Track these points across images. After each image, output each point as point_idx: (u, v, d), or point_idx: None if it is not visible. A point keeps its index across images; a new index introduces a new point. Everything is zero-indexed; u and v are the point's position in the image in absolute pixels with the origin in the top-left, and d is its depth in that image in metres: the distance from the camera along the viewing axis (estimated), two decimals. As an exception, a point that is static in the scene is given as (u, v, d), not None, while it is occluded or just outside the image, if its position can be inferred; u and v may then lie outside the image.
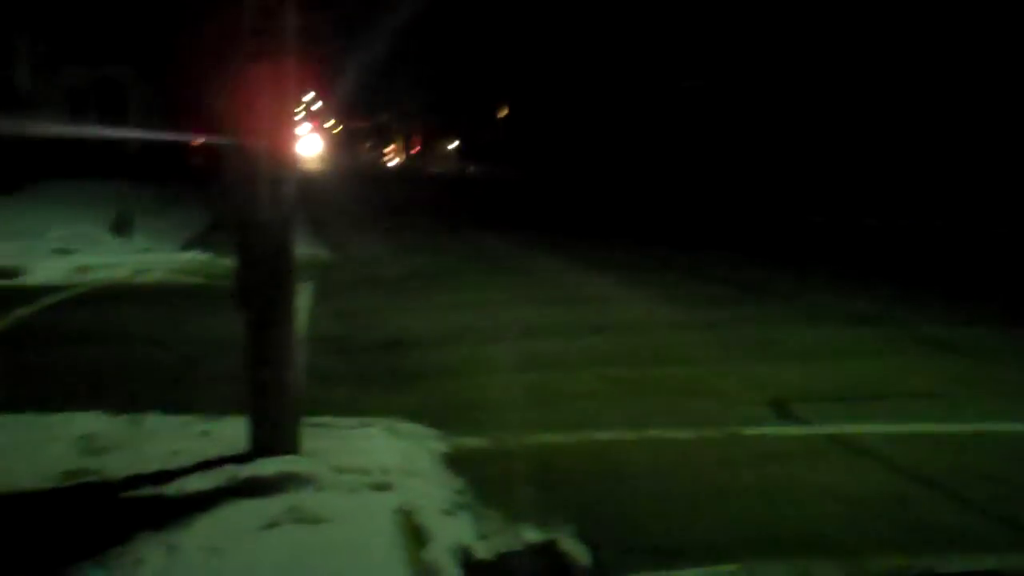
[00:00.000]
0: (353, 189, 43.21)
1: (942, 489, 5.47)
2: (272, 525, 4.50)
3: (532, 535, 4.83)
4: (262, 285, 5.57)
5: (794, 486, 5.52)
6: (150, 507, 4.80)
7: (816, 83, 35.11)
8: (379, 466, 5.44)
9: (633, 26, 45.02)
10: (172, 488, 5.05)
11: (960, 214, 24.69)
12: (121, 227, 18.00)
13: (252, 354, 5.62)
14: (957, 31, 30.04)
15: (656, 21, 42.94)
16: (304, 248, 13.26)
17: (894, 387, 7.77)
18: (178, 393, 7.40)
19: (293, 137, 5.79)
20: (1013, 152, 28.38)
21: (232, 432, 5.97)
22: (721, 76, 39.73)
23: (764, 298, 12.27)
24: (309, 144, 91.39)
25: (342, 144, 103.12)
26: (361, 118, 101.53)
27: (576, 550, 4.69)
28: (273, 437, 5.58)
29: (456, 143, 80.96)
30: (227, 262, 15.01)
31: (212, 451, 5.68)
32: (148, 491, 5.02)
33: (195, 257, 15.83)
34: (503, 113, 69.50)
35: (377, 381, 7.99)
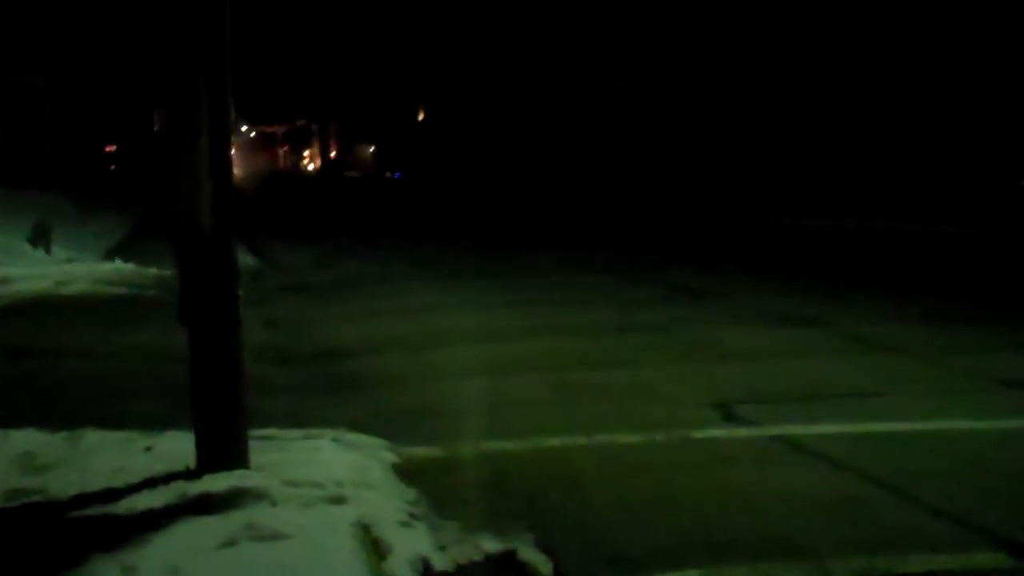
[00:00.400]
0: (272, 195, 42.81)
1: (893, 489, 5.51)
2: (230, 543, 4.39)
3: (491, 545, 4.78)
4: (206, 298, 5.45)
5: (748, 489, 5.53)
6: (101, 526, 4.66)
7: (735, 83, 35.52)
8: (331, 479, 5.35)
9: (553, 28, 45.15)
10: (121, 507, 4.91)
11: (885, 211, 25.13)
12: (40, 237, 17.59)
13: (197, 368, 5.49)
14: (867, 31, 30.61)
15: (578, 23, 43.09)
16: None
17: (836, 387, 7.84)
18: (115, 407, 7.22)
19: (230, 145, 5.67)
20: (940, 149, 28.98)
21: (176, 447, 5.85)
22: (643, 78, 39.98)
23: (698, 300, 12.36)
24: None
25: (256, 149, 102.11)
26: (276, 122, 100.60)
27: (536, 559, 4.65)
28: (221, 452, 5.46)
29: (374, 147, 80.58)
30: (152, 271, 14.81)
31: (158, 467, 5.54)
32: (97, 510, 4.88)
33: (119, 267, 15.54)
34: (420, 117, 69.34)
35: (318, 391, 7.90)
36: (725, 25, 35.37)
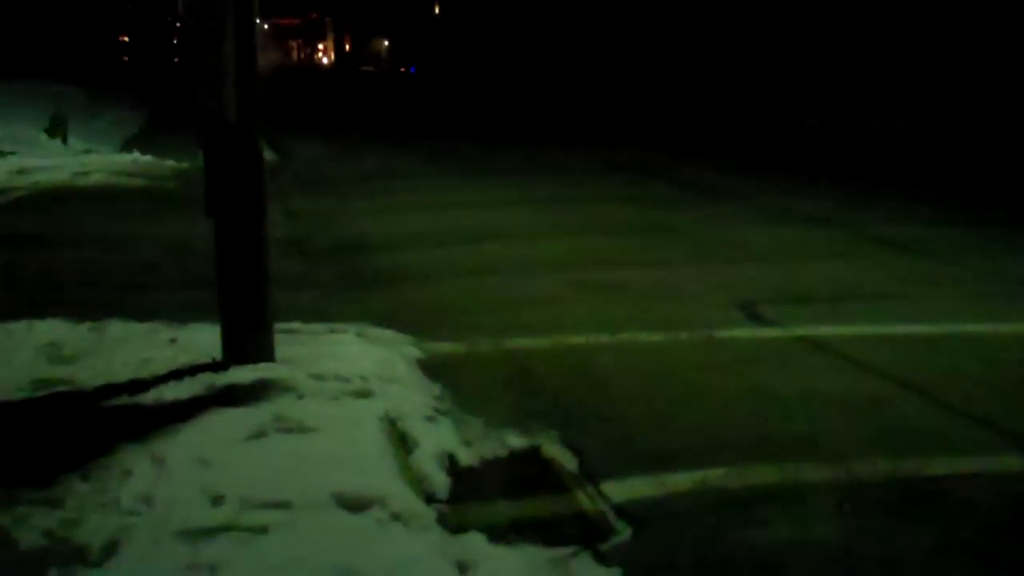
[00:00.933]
0: (287, 89, 42.48)
1: (917, 391, 5.50)
2: (258, 435, 4.41)
3: (516, 441, 4.80)
4: (232, 189, 5.41)
5: (773, 390, 5.52)
6: (129, 417, 4.69)
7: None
8: (357, 373, 5.35)
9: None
10: (149, 397, 4.93)
11: (908, 112, 24.79)
12: (56, 128, 17.52)
13: (223, 260, 5.47)
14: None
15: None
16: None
17: (860, 288, 7.80)
18: (138, 299, 7.24)
19: (255, 37, 5.58)
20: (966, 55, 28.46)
21: (201, 339, 5.87)
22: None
23: (718, 199, 12.28)
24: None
25: (270, 42, 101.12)
26: (289, 15, 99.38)
27: (562, 455, 4.67)
28: (247, 344, 5.47)
29: (388, 41, 79.72)
30: (169, 163, 14.76)
31: (183, 358, 5.56)
32: (125, 400, 4.90)
33: (136, 158, 15.48)
34: (436, 10, 68.46)
35: (341, 285, 7.90)
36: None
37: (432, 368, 5.77)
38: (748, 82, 32.72)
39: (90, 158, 15.47)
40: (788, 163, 17.02)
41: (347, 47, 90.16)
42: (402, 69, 70.13)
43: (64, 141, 17.21)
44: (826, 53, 31.91)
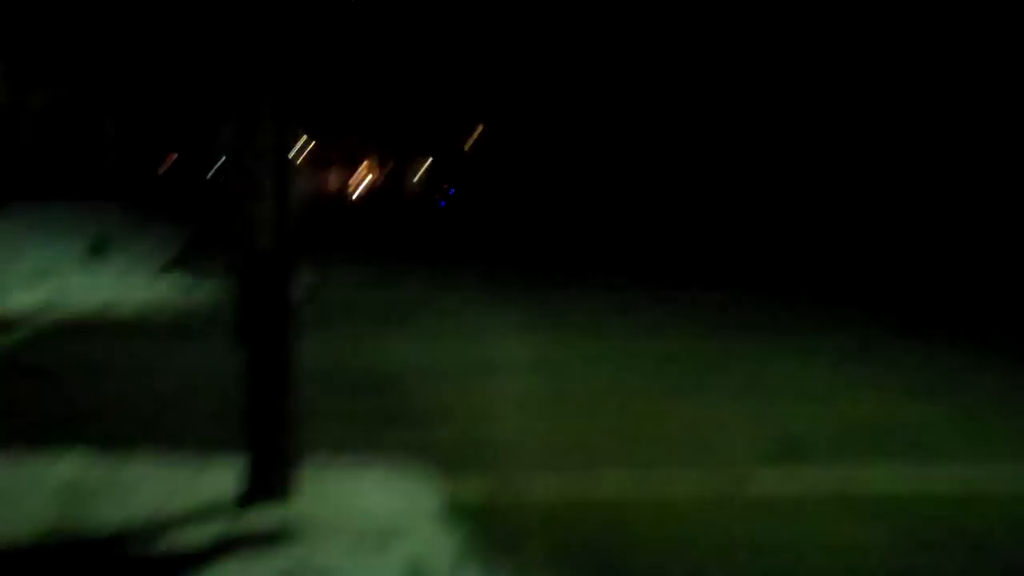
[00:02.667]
0: (326, 212, 42.93)
1: (955, 550, 5.30)
2: (278, 585, 4.28)
3: (545, 592, 4.63)
4: (264, 320, 5.36)
5: (808, 544, 5.34)
6: (145, 565, 4.56)
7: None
8: (381, 513, 5.25)
9: (615, 52, 44.91)
10: (166, 543, 4.81)
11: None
12: (97, 251, 17.70)
13: (250, 393, 5.41)
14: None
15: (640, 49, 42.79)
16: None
17: (893, 433, 7.62)
18: (163, 433, 7.13)
19: (294, 168, 5.59)
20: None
21: (223, 475, 5.76)
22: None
23: (750, 333, 12.14)
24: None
25: (310, 169, 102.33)
26: (327, 139, 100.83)
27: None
28: (271, 481, 5.37)
29: (427, 165, 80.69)
30: (209, 286, 14.80)
31: (204, 497, 5.46)
32: (141, 546, 4.78)
33: (175, 282, 15.57)
34: (475, 136, 69.35)
35: (369, 418, 7.78)
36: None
37: (460, 510, 5.61)
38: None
39: (127, 281, 15.56)
40: (811, 298, 16.88)
41: (385, 171, 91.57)
42: (438, 194, 70.86)
43: (104, 264, 17.36)
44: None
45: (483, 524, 5.40)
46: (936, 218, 26.62)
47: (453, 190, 69.72)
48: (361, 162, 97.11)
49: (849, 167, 31.82)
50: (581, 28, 46.56)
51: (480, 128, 67.96)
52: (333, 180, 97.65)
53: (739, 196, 35.43)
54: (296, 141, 5.65)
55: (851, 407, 8.38)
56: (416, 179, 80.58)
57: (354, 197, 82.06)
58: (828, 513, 5.81)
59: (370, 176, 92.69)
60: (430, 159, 79.96)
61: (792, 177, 33.75)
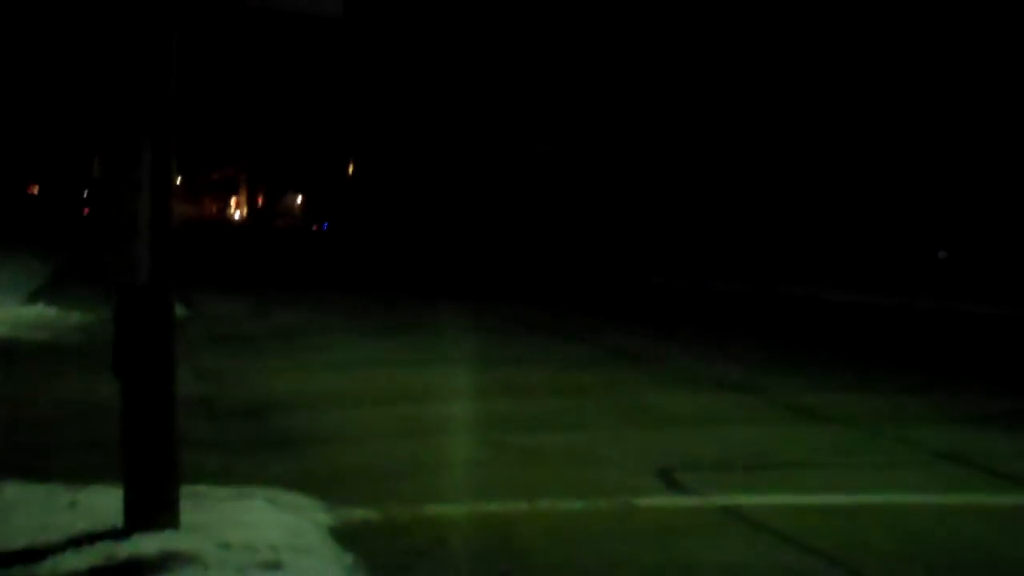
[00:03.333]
0: (201, 242, 42.27)
1: (837, 563, 5.43)
2: (161, 611, 4.18)
3: (432, 616, 4.61)
4: (141, 351, 5.25)
5: (693, 561, 5.42)
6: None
7: (665, 146, 35.90)
8: (265, 542, 5.14)
9: (488, 89, 45.32)
10: (45, 568, 4.66)
11: (809, 278, 25.33)
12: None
13: (129, 422, 5.28)
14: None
15: (513, 85, 43.28)
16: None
17: (777, 456, 7.78)
18: (38, 459, 6.93)
19: (174, 195, 5.50)
20: (862, 220, 29.44)
21: (102, 503, 5.62)
22: (577, 140, 40.18)
23: (634, 362, 12.30)
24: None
25: (184, 196, 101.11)
26: (203, 169, 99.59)
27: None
28: (151, 510, 5.24)
29: (302, 198, 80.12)
30: (75, 317, 14.44)
31: (83, 524, 5.30)
32: (18, 572, 4.63)
33: (42, 311, 15.13)
34: (351, 169, 69.14)
35: (250, 446, 7.67)
36: (655, 91, 35.79)
37: (345, 536, 5.56)
38: (656, 245, 33.38)
39: (-6, 310, 15.07)
40: (694, 325, 17.22)
41: (260, 202, 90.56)
42: (315, 226, 70.37)
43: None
44: (739, 219, 32.81)
45: (370, 549, 5.36)
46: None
47: (326, 225, 69.34)
48: (233, 194, 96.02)
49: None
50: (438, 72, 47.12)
51: (352, 166, 67.85)
52: (207, 211, 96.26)
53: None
54: (175, 173, 5.55)
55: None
56: (288, 212, 79.93)
57: (231, 225, 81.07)
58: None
59: (241, 209, 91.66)
60: (301, 195, 79.49)
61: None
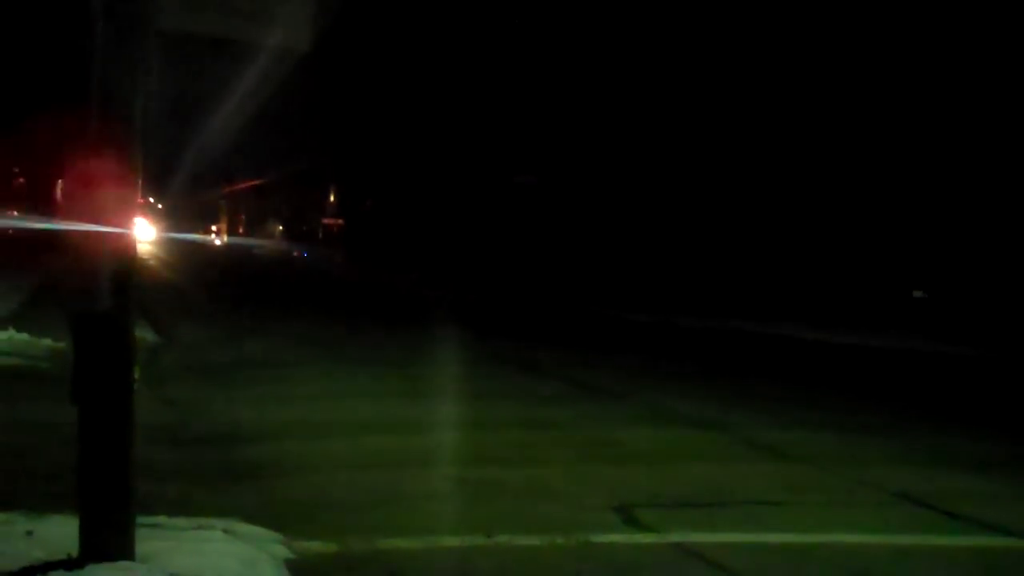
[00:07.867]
0: (177, 267, 42.17)
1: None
2: (109, 642, 4.19)
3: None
4: (99, 379, 5.27)
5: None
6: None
7: (644, 179, 36.09)
8: (221, 573, 5.17)
9: (466, 121, 45.48)
10: (-4, 597, 4.68)
11: (781, 316, 25.45)
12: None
13: (85, 450, 5.29)
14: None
15: (491, 118, 43.44)
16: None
17: (736, 494, 7.83)
18: (1, 487, 6.92)
19: (135, 223, 5.53)
20: (837, 259, 29.66)
21: (59, 532, 5.61)
22: (556, 173, 40.34)
23: (597, 397, 12.35)
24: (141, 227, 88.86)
25: (166, 217, 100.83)
26: (186, 194, 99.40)
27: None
28: (106, 540, 5.23)
29: (282, 226, 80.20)
30: (46, 342, 14.37)
31: (39, 554, 5.31)
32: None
33: (11, 336, 15.06)
34: (331, 198, 69.26)
35: (211, 477, 7.67)
36: (630, 124, 36.00)
37: (300, 570, 5.60)
38: (634, 279, 33.47)
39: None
40: (663, 362, 17.27)
41: (240, 229, 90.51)
42: (295, 253, 70.29)
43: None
44: (711, 256, 32.97)
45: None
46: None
47: (307, 253, 69.27)
48: (212, 222, 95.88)
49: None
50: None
51: (333, 197, 67.98)
52: (189, 234, 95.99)
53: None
54: (139, 199, 5.56)
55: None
56: (268, 241, 79.86)
57: (217, 243, 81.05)
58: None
59: (222, 235, 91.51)
60: (280, 226, 79.56)
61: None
